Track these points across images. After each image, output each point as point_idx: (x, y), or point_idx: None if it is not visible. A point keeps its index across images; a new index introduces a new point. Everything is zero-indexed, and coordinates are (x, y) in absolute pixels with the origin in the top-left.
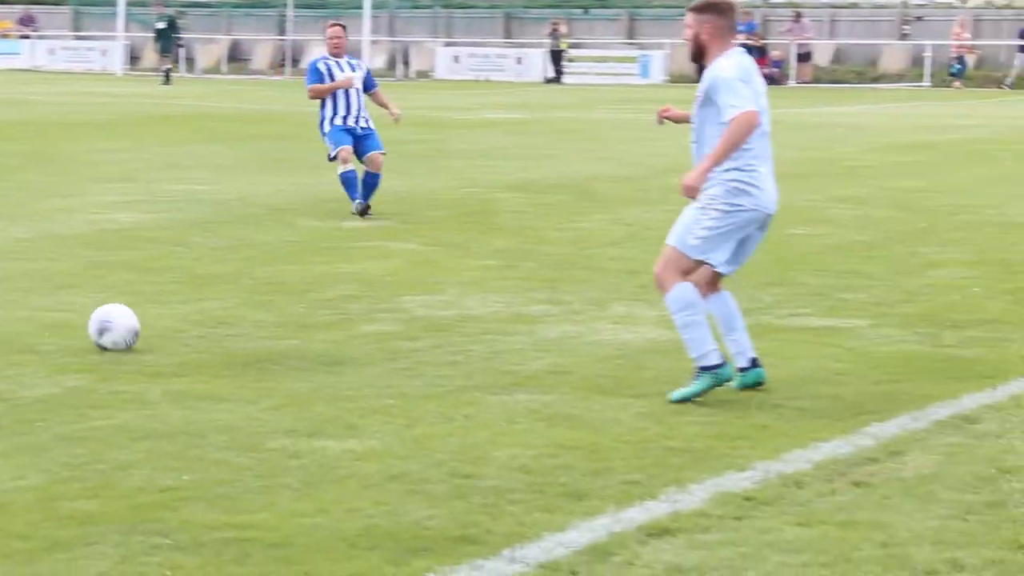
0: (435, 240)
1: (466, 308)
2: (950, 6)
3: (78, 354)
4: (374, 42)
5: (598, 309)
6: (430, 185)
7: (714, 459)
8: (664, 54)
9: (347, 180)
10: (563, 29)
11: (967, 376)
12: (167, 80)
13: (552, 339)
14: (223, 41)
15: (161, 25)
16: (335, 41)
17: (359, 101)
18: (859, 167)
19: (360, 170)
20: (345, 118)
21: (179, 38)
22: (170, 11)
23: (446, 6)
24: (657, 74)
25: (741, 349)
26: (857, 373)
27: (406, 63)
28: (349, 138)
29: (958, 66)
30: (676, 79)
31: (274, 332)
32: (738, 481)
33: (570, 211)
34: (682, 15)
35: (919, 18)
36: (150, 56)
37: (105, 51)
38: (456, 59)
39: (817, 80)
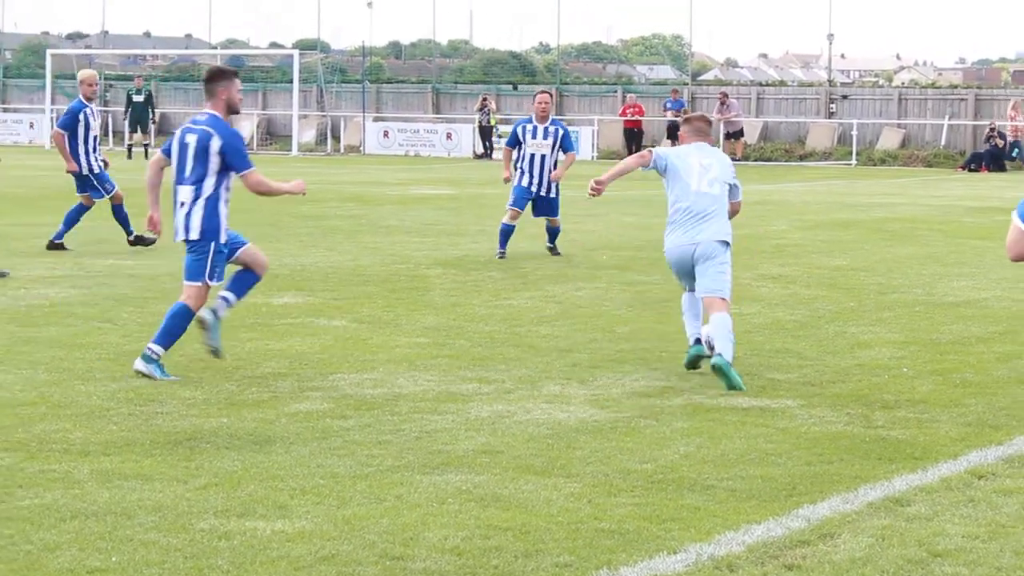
0: (365, 317)
1: (397, 386)
2: (876, 85)
3: (5, 432)
4: (303, 116)
5: (530, 388)
6: (359, 261)
7: (646, 541)
8: (592, 130)
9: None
10: (492, 105)
11: (898, 457)
12: (145, 155)
13: (483, 418)
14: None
15: (139, 98)
16: (543, 107)
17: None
18: (788, 245)
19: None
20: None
21: (155, 112)
22: (148, 84)
23: (375, 81)
24: (586, 150)
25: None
26: (788, 454)
27: (336, 137)
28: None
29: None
30: (604, 155)
31: (203, 410)
32: (670, 564)
33: (500, 288)
34: (609, 92)
35: (845, 96)
36: None
37: (33, 123)
38: (386, 134)
39: (746, 158)
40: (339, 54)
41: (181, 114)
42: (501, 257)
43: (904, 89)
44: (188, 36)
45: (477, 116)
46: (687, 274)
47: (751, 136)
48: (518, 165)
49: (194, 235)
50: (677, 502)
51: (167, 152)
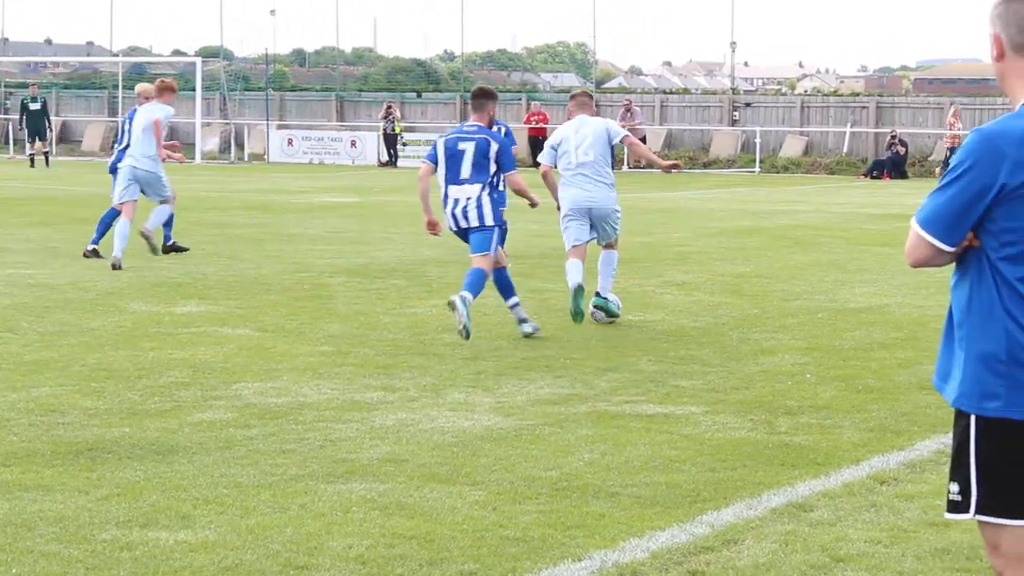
0: (268, 325)
1: (300, 395)
2: (779, 92)
3: None
4: (206, 124)
5: (434, 396)
6: (263, 269)
7: (551, 549)
8: None
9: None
10: (397, 112)
11: (801, 463)
12: (46, 163)
13: (388, 426)
14: (54, 122)
15: (35, 106)
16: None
17: None
18: (691, 252)
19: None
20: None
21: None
22: (45, 91)
23: (279, 88)
24: None
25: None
26: (693, 460)
27: (239, 145)
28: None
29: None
30: None
31: (105, 420)
32: (575, 571)
33: (404, 296)
34: (514, 99)
35: (748, 104)
36: None
37: None
38: (290, 142)
39: (650, 165)
40: (242, 62)
41: (83, 122)
42: None
43: (807, 97)
44: (90, 43)
45: (382, 124)
46: (585, 221)
47: (655, 144)
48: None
49: (488, 221)
50: (582, 509)
51: (433, 159)
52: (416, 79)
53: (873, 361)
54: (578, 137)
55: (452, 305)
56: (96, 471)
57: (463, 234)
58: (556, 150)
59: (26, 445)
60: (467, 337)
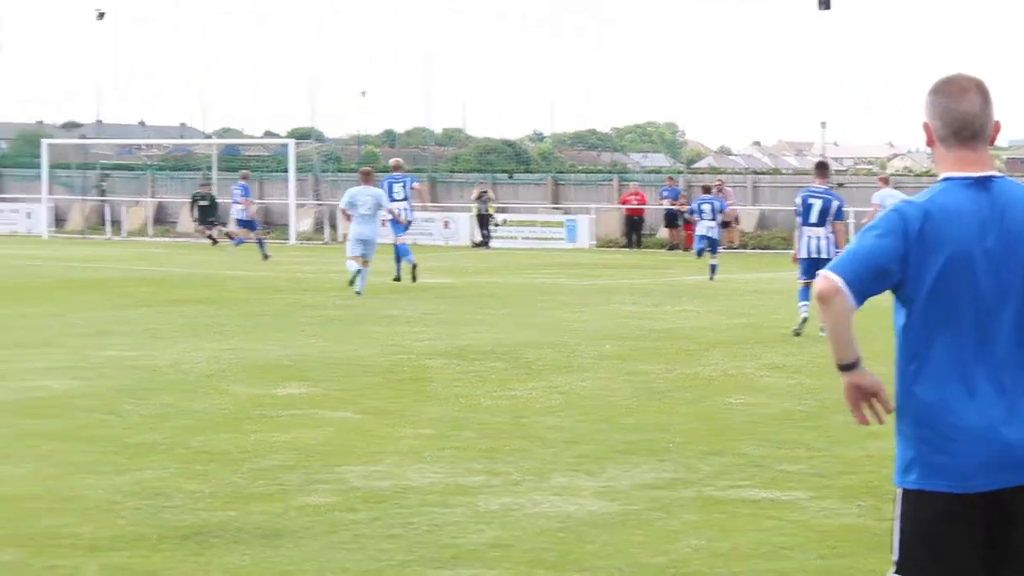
0: (369, 408)
1: (404, 479)
2: (870, 172)
3: (13, 526)
4: (300, 205)
5: (537, 480)
6: (361, 351)
7: None
8: (590, 219)
9: None
10: (491, 194)
11: None
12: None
13: (492, 511)
14: (148, 203)
15: (204, 203)
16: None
17: None
18: (790, 335)
19: None
20: None
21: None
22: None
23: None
24: (584, 238)
25: None
26: (801, 547)
27: (333, 226)
28: None
29: None
30: (603, 243)
31: (211, 503)
32: None
33: (504, 378)
34: (605, 180)
35: (840, 184)
36: (75, 218)
37: (30, 213)
38: (383, 223)
39: (744, 245)
40: (334, 143)
41: (178, 203)
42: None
43: (898, 176)
44: (182, 125)
45: (475, 205)
46: None
47: (748, 224)
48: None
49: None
50: None
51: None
52: (506, 159)
53: None
54: None
55: None
56: (204, 555)
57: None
58: None
59: (134, 529)
60: None
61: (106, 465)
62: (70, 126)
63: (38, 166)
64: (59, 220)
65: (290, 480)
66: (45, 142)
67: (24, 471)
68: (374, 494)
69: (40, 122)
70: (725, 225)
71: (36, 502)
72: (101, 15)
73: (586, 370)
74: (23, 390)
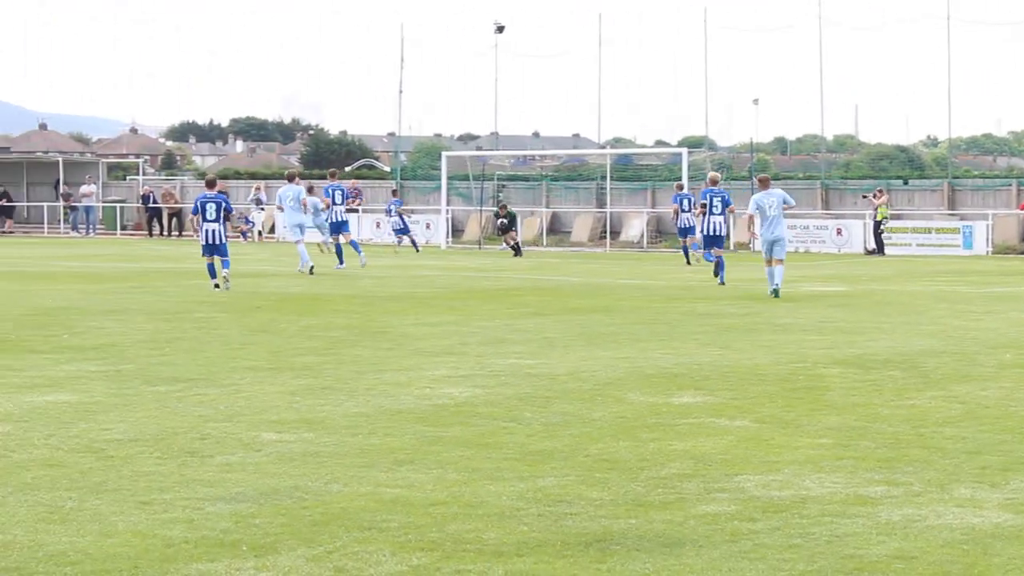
0: (765, 417)
1: (803, 488)
2: None
3: (420, 531)
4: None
5: (939, 491)
6: (757, 359)
7: None
8: (987, 224)
9: None
10: (885, 198)
11: None
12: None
13: (894, 522)
14: (543, 213)
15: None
16: None
17: None
18: None
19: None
20: None
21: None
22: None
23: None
24: (980, 245)
25: None
26: None
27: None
28: None
29: None
30: (1000, 250)
31: (611, 511)
32: None
33: (901, 387)
34: (1003, 185)
35: None
36: (473, 228)
37: (429, 224)
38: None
39: None
40: (726, 151)
41: (572, 212)
42: None
43: None
44: (576, 135)
45: (869, 212)
46: None
47: None
48: None
49: None
50: None
51: None
52: (899, 165)
53: None
54: None
55: None
56: (606, 563)
57: None
58: None
59: (537, 536)
60: None
61: (508, 472)
62: (466, 138)
63: (437, 178)
64: (456, 230)
65: (689, 489)
66: (445, 154)
67: (429, 477)
68: (773, 503)
69: (438, 135)
70: None
71: (442, 507)
72: (500, 28)
73: (987, 379)
74: (427, 397)
